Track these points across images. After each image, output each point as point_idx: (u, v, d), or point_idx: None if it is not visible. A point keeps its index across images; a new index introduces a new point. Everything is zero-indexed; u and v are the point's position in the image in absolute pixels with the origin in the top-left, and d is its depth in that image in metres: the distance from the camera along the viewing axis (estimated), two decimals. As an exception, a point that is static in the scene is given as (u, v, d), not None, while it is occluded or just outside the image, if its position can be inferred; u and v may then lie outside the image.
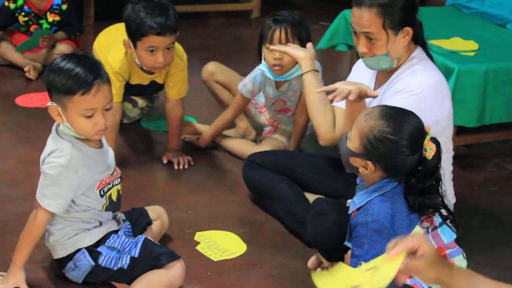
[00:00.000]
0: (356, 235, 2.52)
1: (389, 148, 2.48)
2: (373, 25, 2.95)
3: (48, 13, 5.05)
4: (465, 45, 4.36)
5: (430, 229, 2.50)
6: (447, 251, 2.53)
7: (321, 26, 5.04)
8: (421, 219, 2.50)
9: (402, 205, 2.52)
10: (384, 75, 3.15)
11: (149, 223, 3.07)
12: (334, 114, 3.28)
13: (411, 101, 2.91)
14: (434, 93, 2.99)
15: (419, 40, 3.13)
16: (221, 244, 3.30)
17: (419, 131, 2.51)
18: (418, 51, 3.11)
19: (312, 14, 6.29)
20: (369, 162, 2.53)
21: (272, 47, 3.56)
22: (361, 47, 3.02)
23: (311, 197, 3.38)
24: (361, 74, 3.26)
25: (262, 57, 3.80)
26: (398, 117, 2.53)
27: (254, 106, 4.19)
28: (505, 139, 4.47)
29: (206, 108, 4.48)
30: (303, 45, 3.57)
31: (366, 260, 2.36)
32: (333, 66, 5.23)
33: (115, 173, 2.88)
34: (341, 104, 3.26)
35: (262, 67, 3.81)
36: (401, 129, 2.49)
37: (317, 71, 3.35)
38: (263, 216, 3.56)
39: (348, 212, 2.66)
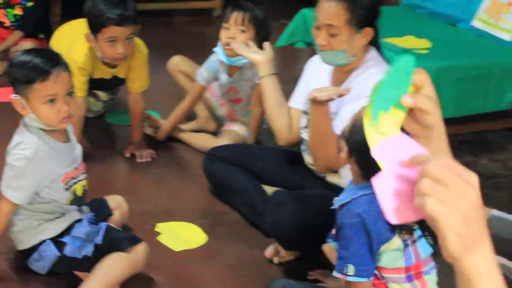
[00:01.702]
0: (342, 236, 2.47)
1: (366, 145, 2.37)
2: (338, 19, 2.94)
3: (16, 6, 5.01)
4: (418, 43, 4.42)
5: (409, 242, 2.43)
6: (423, 269, 2.47)
7: (282, 24, 5.07)
8: (401, 229, 2.41)
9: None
10: (340, 76, 3.12)
11: (110, 213, 3.08)
12: (290, 115, 3.31)
13: None
14: None
15: (375, 42, 3.15)
16: (182, 235, 3.31)
17: None
18: (373, 53, 3.11)
19: (273, 12, 6.28)
20: (345, 148, 2.48)
21: (232, 45, 3.58)
22: (321, 40, 3.00)
23: (270, 190, 3.40)
24: (315, 73, 3.27)
25: (219, 42, 3.82)
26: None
27: (215, 99, 4.19)
28: (455, 133, 4.54)
29: (170, 103, 4.46)
30: (259, 35, 3.64)
31: (352, 262, 2.39)
32: (292, 63, 5.26)
33: (80, 167, 2.88)
34: (296, 105, 3.30)
35: (217, 49, 3.82)
36: None
37: (276, 74, 3.36)
38: (223, 208, 3.57)
39: (333, 207, 2.59)
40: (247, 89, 3.98)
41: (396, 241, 2.41)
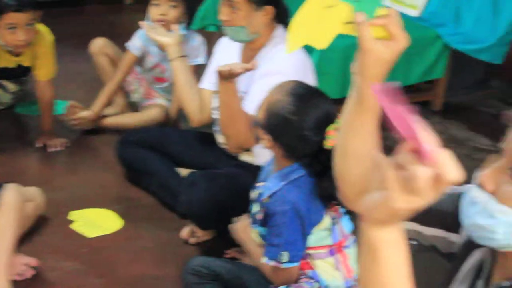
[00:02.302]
0: (273, 224, 2.42)
1: (288, 127, 2.37)
2: None
3: None
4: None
5: (337, 219, 2.46)
6: (345, 243, 2.50)
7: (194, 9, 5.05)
8: (329, 207, 2.43)
9: (311, 193, 2.41)
10: (248, 53, 3.15)
11: None
12: (202, 97, 3.31)
13: (278, 81, 2.95)
14: (297, 70, 3.02)
15: (283, 20, 3.17)
16: (96, 221, 3.29)
17: (326, 117, 2.37)
18: (280, 30, 3.14)
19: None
20: (267, 137, 2.43)
21: (144, 26, 3.54)
22: (223, 15, 3.04)
23: (184, 172, 3.39)
24: (224, 53, 3.28)
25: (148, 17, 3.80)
26: (307, 98, 2.41)
27: (136, 81, 4.16)
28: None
29: (81, 92, 4.43)
30: (188, 9, 3.70)
31: (286, 249, 2.38)
32: (207, 47, 5.26)
33: None
34: (207, 86, 3.30)
35: (145, 23, 3.76)
36: (305, 111, 2.37)
37: (185, 56, 3.35)
38: (138, 192, 3.56)
39: (262, 198, 2.51)
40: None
41: (326, 221, 2.43)
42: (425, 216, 1.65)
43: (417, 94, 4.90)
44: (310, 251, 2.47)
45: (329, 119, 2.37)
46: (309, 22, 1.39)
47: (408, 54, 4.37)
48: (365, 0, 1.36)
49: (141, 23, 3.58)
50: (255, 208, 2.56)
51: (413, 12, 5.17)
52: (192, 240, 3.18)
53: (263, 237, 2.51)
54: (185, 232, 3.20)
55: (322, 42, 1.40)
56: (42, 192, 3.18)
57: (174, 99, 4.02)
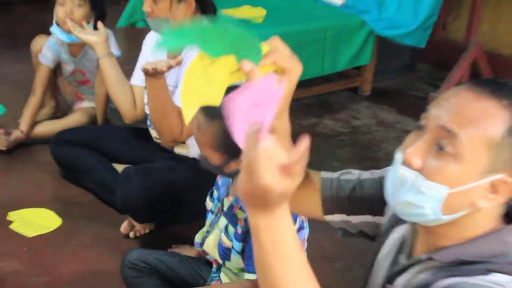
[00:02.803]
0: None
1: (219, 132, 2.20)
2: None
3: None
4: (254, 12, 4.50)
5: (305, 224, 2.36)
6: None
7: (122, 6, 5.02)
8: None
9: None
10: None
11: None
12: (133, 93, 3.34)
13: None
14: None
15: (208, 13, 3.20)
16: (34, 221, 3.29)
17: None
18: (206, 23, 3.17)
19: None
20: (225, 157, 2.24)
21: (68, 24, 3.51)
22: (146, 7, 3.07)
23: (120, 168, 3.41)
24: (152, 47, 3.31)
25: (53, 21, 3.74)
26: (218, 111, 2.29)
27: (63, 84, 4.11)
28: (301, 97, 4.68)
29: (12, 94, 4.39)
30: (96, 11, 3.65)
31: None
32: (135, 44, 5.25)
33: None
34: (138, 82, 3.33)
35: (53, 28, 3.74)
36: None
37: (112, 53, 3.36)
38: (76, 190, 3.57)
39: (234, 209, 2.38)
40: (93, 70, 3.93)
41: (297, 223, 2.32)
42: (351, 206, 1.73)
43: (346, 80, 5.00)
44: None
45: None
46: (197, 85, 1.34)
47: (335, 41, 4.50)
48: (245, 47, 1.28)
49: (69, 22, 3.52)
50: (222, 220, 2.42)
51: (338, 1, 5.26)
52: (131, 234, 3.20)
53: (241, 252, 2.34)
54: (124, 226, 3.22)
55: (216, 98, 1.34)
56: None
57: (98, 101, 3.96)
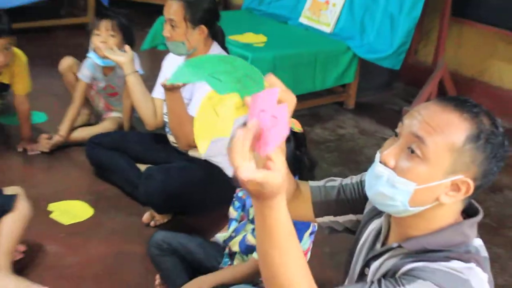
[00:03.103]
0: None
1: None
2: (177, 15, 3.03)
3: None
4: (256, 38, 4.52)
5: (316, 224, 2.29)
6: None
7: (146, 32, 5.05)
8: None
9: None
10: None
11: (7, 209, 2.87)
12: (154, 104, 3.35)
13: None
14: None
15: (218, 38, 3.22)
16: (71, 211, 3.29)
17: None
18: (216, 46, 3.19)
19: (138, 22, 6.27)
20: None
21: (102, 50, 3.55)
22: (165, 32, 3.08)
23: (142, 167, 3.42)
24: (171, 66, 3.33)
25: (90, 48, 3.76)
26: None
27: (96, 96, 4.11)
28: (295, 109, 4.67)
29: (53, 104, 4.40)
30: (126, 39, 3.65)
31: None
32: (156, 64, 5.27)
33: None
34: (158, 95, 3.34)
35: (90, 54, 3.75)
36: None
37: (138, 72, 3.38)
38: (105, 185, 3.57)
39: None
40: (121, 85, 3.94)
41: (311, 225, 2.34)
42: (337, 208, 1.75)
43: (333, 96, 5.01)
44: None
45: None
46: (208, 121, 1.32)
47: (324, 63, 4.51)
48: (249, 83, 1.27)
49: (89, 54, 3.68)
50: (250, 226, 2.43)
51: (327, 29, 5.28)
52: (152, 223, 3.21)
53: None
54: (145, 217, 3.23)
55: (225, 131, 1.32)
56: (23, 187, 3.11)
57: (125, 111, 3.98)
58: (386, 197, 1.41)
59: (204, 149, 1.30)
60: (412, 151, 1.37)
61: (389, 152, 1.40)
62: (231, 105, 1.31)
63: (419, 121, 1.38)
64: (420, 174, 1.37)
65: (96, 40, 3.69)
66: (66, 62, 4.10)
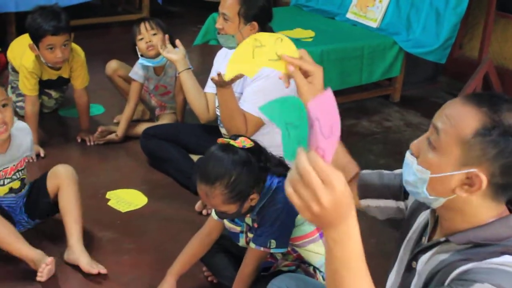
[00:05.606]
0: (267, 216, 2.29)
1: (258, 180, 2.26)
2: (231, 9, 3.02)
3: None
4: (305, 34, 4.49)
5: None
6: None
7: (198, 28, 5.04)
8: None
9: None
10: None
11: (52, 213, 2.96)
12: (207, 99, 3.35)
13: (264, 84, 2.98)
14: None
15: None
16: (127, 199, 3.32)
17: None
18: None
19: (191, 19, 6.31)
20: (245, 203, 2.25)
21: (154, 42, 3.57)
22: (218, 24, 3.08)
23: (195, 158, 3.43)
24: (222, 62, 3.31)
25: (138, 54, 3.77)
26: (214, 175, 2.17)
27: (147, 94, 4.13)
28: (341, 103, 4.63)
29: (110, 97, 4.44)
30: (166, 32, 3.62)
31: (275, 238, 2.26)
32: (208, 58, 5.28)
33: (19, 165, 2.80)
34: (210, 90, 3.34)
35: (141, 60, 3.77)
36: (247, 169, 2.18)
37: (190, 68, 3.37)
38: (159, 175, 3.59)
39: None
40: (172, 83, 3.97)
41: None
42: (380, 193, 1.74)
43: (379, 89, 4.95)
44: (301, 241, 2.35)
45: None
46: (243, 57, 1.55)
47: (371, 57, 4.45)
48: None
49: (139, 61, 3.75)
50: (250, 234, 2.41)
51: (373, 24, 5.22)
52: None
53: (257, 228, 2.34)
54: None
55: (251, 72, 1.57)
56: (82, 176, 3.09)
57: (178, 106, 3.98)
58: (411, 185, 1.43)
59: (228, 74, 1.56)
60: (430, 141, 1.38)
61: (416, 142, 1.44)
62: (266, 55, 1.54)
63: (441, 114, 1.38)
64: (433, 163, 1.37)
65: (141, 44, 3.72)
66: (111, 66, 4.09)
